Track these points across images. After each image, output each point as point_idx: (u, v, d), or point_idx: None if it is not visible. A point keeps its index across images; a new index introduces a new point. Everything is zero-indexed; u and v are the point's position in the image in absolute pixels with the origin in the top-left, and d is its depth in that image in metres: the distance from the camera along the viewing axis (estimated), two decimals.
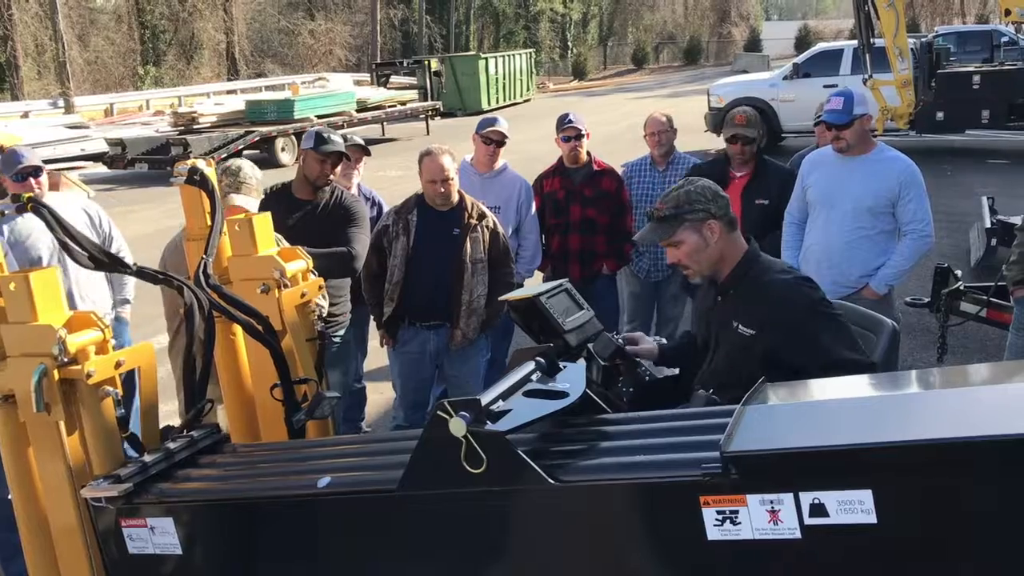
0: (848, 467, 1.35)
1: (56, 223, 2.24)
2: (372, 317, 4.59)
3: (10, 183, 4.38)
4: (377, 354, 5.92)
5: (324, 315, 2.85)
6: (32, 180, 4.38)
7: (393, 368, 4.60)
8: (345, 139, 4.47)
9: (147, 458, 2.08)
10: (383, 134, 22.04)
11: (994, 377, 1.54)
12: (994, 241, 7.61)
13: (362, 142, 4.77)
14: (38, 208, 2.26)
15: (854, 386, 1.82)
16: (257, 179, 3.90)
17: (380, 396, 5.83)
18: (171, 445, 2.16)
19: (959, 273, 5.79)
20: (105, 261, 2.33)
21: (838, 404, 1.64)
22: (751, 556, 1.42)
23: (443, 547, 1.68)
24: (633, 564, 1.53)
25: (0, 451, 2.28)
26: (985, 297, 5.39)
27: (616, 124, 19.83)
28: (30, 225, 4.18)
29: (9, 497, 3.67)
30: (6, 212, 2.32)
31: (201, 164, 2.75)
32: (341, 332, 4.34)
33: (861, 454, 1.34)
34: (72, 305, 2.61)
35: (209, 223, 2.67)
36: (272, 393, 2.59)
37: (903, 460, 1.32)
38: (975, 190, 11.40)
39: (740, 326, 2.59)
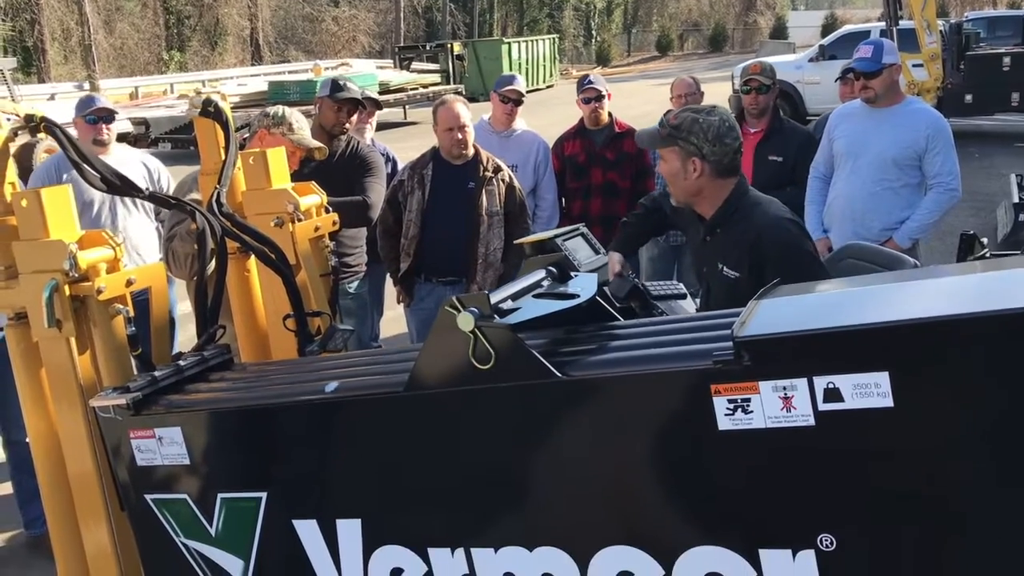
0: (864, 348, 1.31)
1: (68, 143, 2.23)
2: (389, 274, 4.59)
3: (82, 124, 4.45)
4: (394, 323, 5.92)
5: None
6: (103, 125, 4.43)
7: (410, 326, 4.59)
8: None
9: (157, 373, 2.07)
10: (405, 117, 22.03)
11: (1020, 263, 1.49)
12: (1022, 216, 7.49)
13: (374, 96, 4.76)
14: (51, 128, 2.25)
15: (873, 279, 1.78)
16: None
17: None
18: (181, 363, 2.15)
19: (985, 241, 5.68)
20: (117, 184, 2.31)
21: (856, 291, 1.59)
22: (763, 446, 1.39)
23: (451, 447, 1.65)
24: (642, 459, 1.50)
25: (14, 372, 2.28)
26: None
27: (639, 108, 19.69)
28: None
29: (26, 440, 3.70)
30: (19, 133, 2.31)
31: (215, 97, 2.74)
32: (355, 284, 4.32)
33: (878, 334, 1.30)
34: None
35: (223, 156, 2.67)
36: (285, 323, 2.58)
37: (921, 338, 1.28)
38: (1002, 172, 11.24)
39: (725, 268, 2.54)
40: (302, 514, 1.81)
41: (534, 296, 1.73)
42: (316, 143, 3.47)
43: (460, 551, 1.66)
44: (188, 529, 1.96)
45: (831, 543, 1.39)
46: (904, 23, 12.51)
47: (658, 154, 5.20)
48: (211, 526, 1.92)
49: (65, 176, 4.31)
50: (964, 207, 10.38)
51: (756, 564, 1.44)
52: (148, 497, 1.99)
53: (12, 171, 2.24)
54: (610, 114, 5.18)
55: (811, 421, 1.35)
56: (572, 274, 1.89)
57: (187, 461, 1.91)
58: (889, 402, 1.30)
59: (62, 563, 2.30)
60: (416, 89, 22.69)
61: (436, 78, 25.37)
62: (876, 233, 4.11)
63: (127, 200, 4.47)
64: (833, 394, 1.33)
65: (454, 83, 25.42)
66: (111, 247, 2.20)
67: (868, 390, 1.31)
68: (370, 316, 4.72)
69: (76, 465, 2.19)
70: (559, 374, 1.52)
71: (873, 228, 4.12)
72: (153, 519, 1.99)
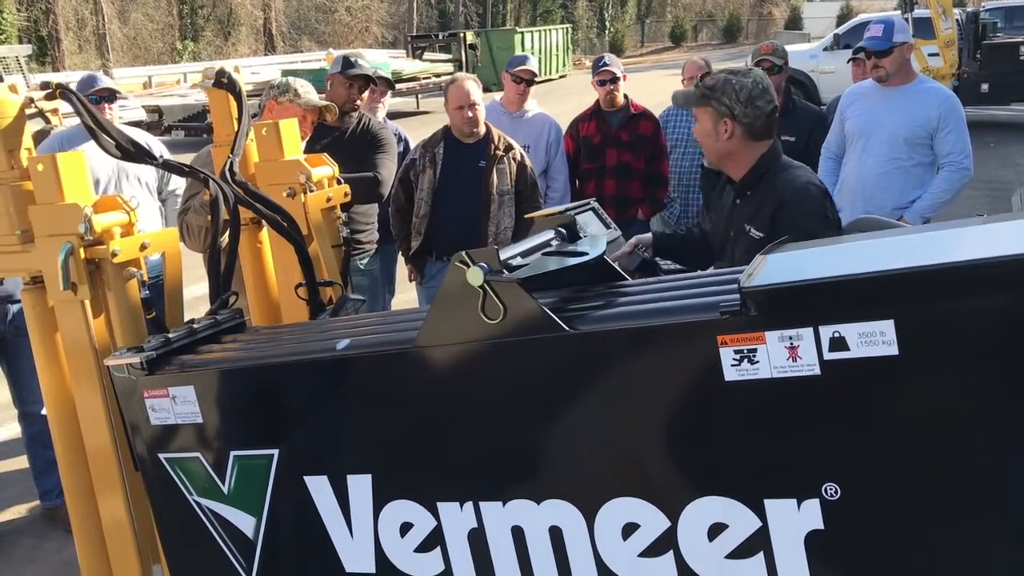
0: (869, 297, 1.31)
1: (84, 110, 2.25)
2: (400, 252, 4.62)
3: None
4: (406, 305, 5.93)
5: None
6: (106, 104, 4.44)
7: (421, 304, 4.61)
8: None
9: (170, 334, 2.09)
10: (417, 107, 22.04)
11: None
12: None
13: (387, 76, 4.77)
14: (66, 94, 2.28)
15: (878, 234, 1.78)
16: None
17: None
18: (195, 325, 2.18)
19: None
20: (131, 151, 2.33)
21: (861, 243, 1.60)
22: (769, 396, 1.40)
23: (460, 401, 1.67)
24: (649, 411, 1.51)
25: (30, 337, 2.31)
26: None
27: (653, 99, 19.62)
28: (91, 151, 4.29)
29: (41, 413, 3.72)
30: (35, 98, 2.33)
31: (228, 68, 2.77)
32: (366, 260, 4.34)
33: (882, 282, 1.31)
34: None
35: (236, 127, 2.69)
36: (296, 292, 2.60)
37: (926, 286, 1.29)
38: (1017, 161, 11.18)
39: (752, 229, 2.54)
40: (313, 471, 1.83)
41: (543, 254, 1.74)
42: (324, 101, 3.49)
43: (469, 505, 1.68)
44: (201, 487, 1.98)
45: (836, 492, 1.40)
46: (919, 11, 12.45)
47: (678, 133, 5.27)
48: (224, 484, 1.94)
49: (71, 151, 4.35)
50: (979, 195, 10.35)
51: (761, 514, 1.45)
52: (162, 456, 2.01)
53: (28, 137, 2.27)
54: (626, 96, 5.18)
55: (817, 370, 1.35)
56: (581, 235, 1.91)
57: (200, 420, 1.93)
58: (894, 350, 1.30)
59: (79, 533, 2.33)
60: (429, 78, 22.69)
61: (449, 68, 25.31)
62: (887, 212, 4.10)
63: (132, 178, 4.48)
64: (839, 343, 1.33)
65: (467, 72, 25.37)
66: (125, 212, 2.23)
67: (873, 339, 1.31)
68: (381, 294, 4.74)
69: (92, 433, 2.21)
70: (568, 328, 1.54)
71: (884, 207, 4.11)
72: (167, 478, 2.02)
